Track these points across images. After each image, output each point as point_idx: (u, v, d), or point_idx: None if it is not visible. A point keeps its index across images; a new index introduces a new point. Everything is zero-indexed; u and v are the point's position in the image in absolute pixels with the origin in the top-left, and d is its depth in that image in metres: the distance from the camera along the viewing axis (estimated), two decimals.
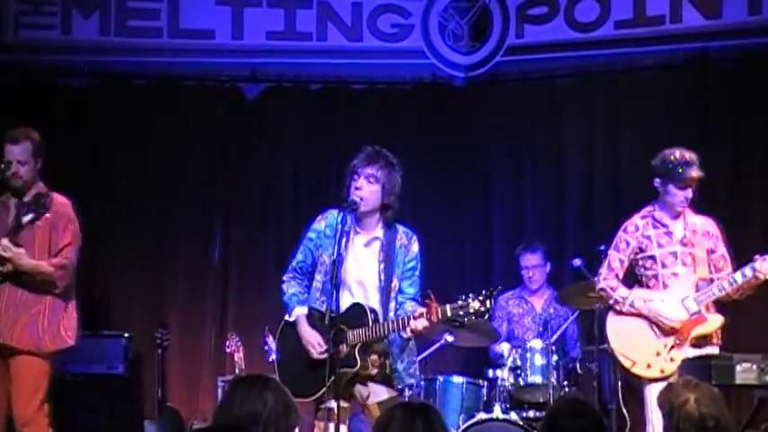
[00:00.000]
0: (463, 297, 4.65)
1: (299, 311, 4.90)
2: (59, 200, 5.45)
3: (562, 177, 7.60)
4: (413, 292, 4.91)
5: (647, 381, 5.20)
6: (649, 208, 5.39)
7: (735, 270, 5.26)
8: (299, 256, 5.03)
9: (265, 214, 7.77)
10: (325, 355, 4.70)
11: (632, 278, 5.44)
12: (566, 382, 6.39)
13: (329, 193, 7.55)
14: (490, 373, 6.46)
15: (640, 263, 5.37)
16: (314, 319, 4.85)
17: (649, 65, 7.41)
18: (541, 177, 7.66)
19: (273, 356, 6.58)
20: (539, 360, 6.33)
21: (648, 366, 5.19)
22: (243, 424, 3.16)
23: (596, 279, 5.45)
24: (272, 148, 7.79)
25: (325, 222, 4.95)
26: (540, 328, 6.72)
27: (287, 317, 4.98)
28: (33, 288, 5.34)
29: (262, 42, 7.72)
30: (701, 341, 5.23)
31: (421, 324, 4.65)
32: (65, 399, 6.00)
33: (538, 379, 6.30)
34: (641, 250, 5.35)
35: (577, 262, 6.35)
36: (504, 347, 6.52)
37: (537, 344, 6.41)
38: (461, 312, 4.61)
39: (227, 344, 6.79)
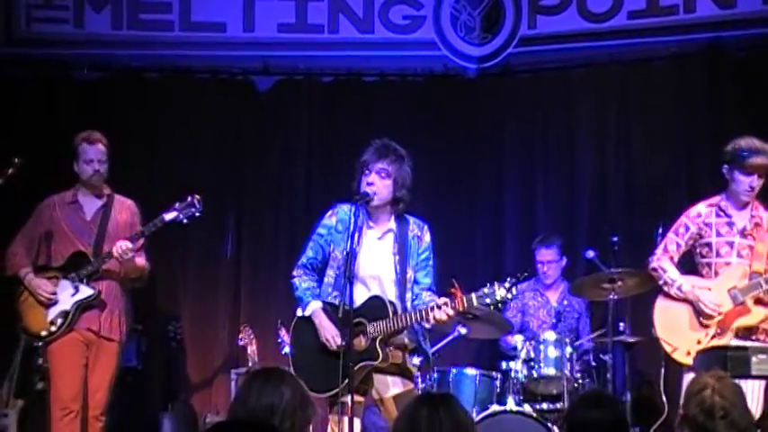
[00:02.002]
0: (488, 284, 4.56)
1: (315, 305, 4.81)
2: (129, 200, 5.93)
3: (575, 168, 7.56)
4: (428, 282, 4.88)
5: (687, 369, 5.20)
6: (717, 198, 5.38)
7: None
8: (310, 252, 4.95)
9: (277, 207, 7.75)
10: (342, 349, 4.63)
11: (688, 266, 5.43)
12: (579, 374, 6.38)
13: (341, 185, 7.53)
14: (504, 365, 6.44)
15: (698, 250, 5.38)
16: (329, 313, 4.78)
17: (663, 55, 7.35)
18: (554, 168, 7.62)
19: (287, 349, 6.63)
20: (552, 352, 6.31)
21: (688, 353, 5.20)
22: (260, 417, 3.14)
23: (650, 259, 5.45)
24: (284, 140, 7.77)
25: (336, 218, 4.89)
26: (554, 320, 6.72)
27: (299, 311, 4.90)
28: (122, 282, 5.85)
29: (273, 35, 7.70)
30: (747, 332, 5.22)
31: (445, 313, 4.57)
32: None
33: (551, 371, 6.28)
34: (700, 237, 5.35)
35: (591, 253, 6.33)
36: (517, 339, 6.50)
37: (550, 336, 6.40)
38: (488, 300, 4.53)
39: (240, 337, 6.78)
